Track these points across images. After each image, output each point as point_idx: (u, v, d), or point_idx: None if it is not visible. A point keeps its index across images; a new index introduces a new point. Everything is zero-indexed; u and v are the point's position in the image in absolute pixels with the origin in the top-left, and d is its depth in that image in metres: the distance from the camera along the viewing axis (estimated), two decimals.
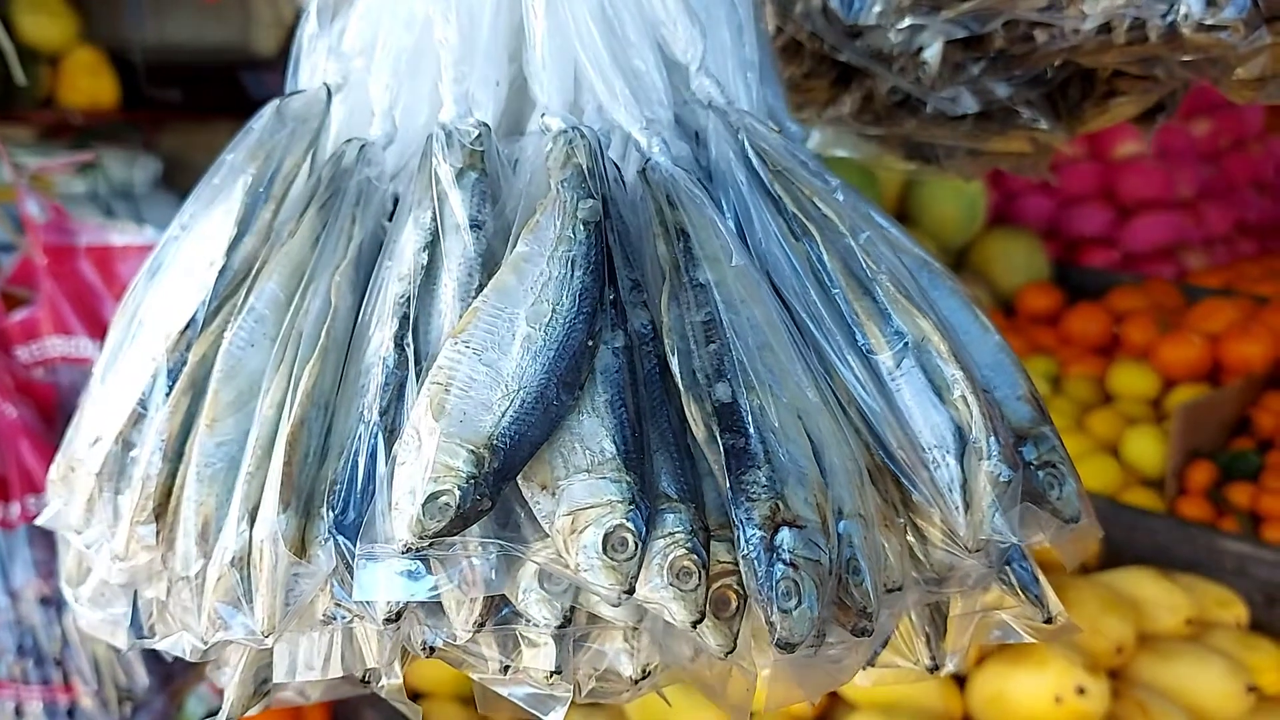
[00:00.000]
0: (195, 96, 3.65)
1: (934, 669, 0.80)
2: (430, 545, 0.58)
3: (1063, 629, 0.80)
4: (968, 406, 0.69)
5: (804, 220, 0.76)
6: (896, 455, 0.70)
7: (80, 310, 1.45)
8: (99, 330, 1.45)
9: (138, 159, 3.13)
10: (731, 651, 0.63)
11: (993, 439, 0.69)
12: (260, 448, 0.67)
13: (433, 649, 0.66)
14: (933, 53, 0.94)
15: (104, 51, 3.37)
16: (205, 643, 0.66)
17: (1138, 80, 0.92)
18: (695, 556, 0.61)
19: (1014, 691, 1.47)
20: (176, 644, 0.70)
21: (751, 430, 0.62)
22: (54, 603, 1.40)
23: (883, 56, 0.99)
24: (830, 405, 0.68)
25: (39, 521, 0.84)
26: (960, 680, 1.53)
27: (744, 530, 0.59)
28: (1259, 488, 2.20)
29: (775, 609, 0.58)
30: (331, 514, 0.63)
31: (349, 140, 0.80)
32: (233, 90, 3.60)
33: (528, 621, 0.63)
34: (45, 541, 1.39)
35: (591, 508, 0.59)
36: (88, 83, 3.23)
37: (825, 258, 0.75)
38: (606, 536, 0.59)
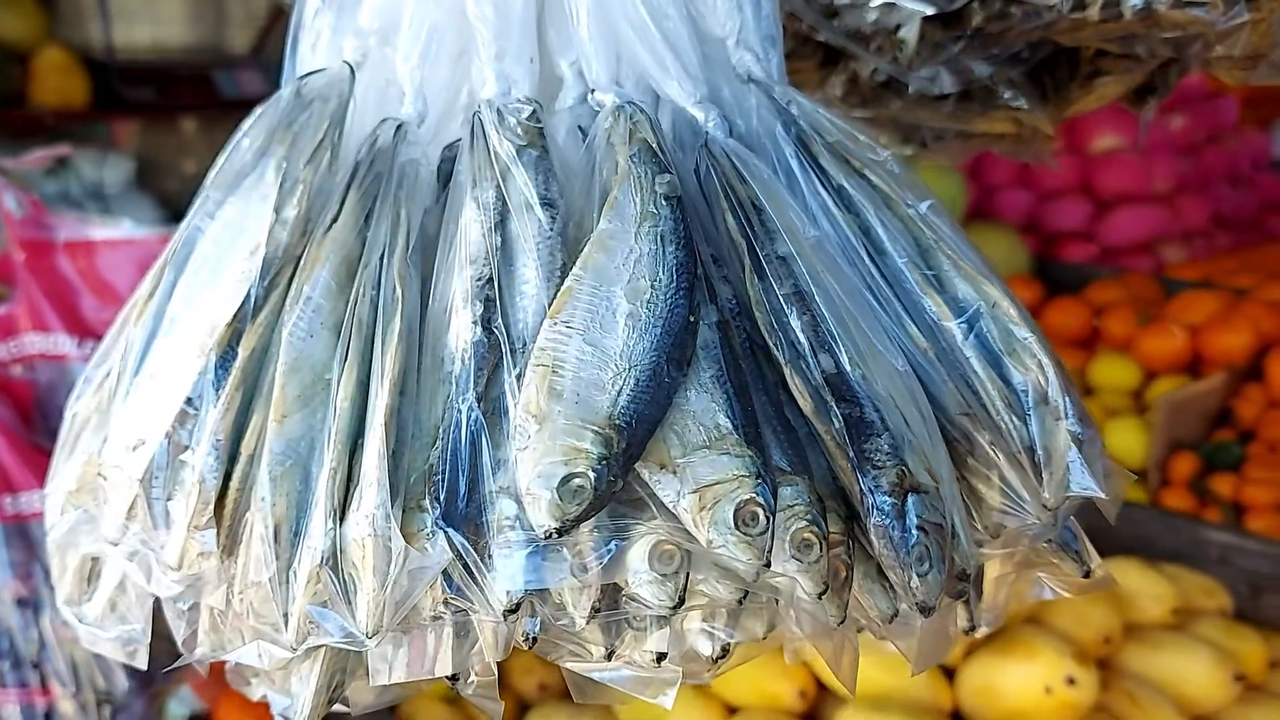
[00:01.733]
0: (168, 95, 3.53)
1: (971, 630, 0.81)
2: (571, 529, 0.55)
3: (1099, 582, 0.82)
4: (1042, 369, 0.71)
5: (851, 192, 0.77)
6: (957, 421, 0.71)
7: (58, 306, 1.37)
8: (77, 327, 1.37)
9: (109, 159, 3.02)
10: (843, 621, 0.63)
11: (1068, 399, 0.70)
12: (340, 443, 0.63)
13: (535, 639, 0.63)
14: (909, 31, 0.95)
15: (75, 51, 3.25)
16: (294, 649, 0.62)
17: (1121, 59, 0.95)
18: (815, 528, 0.60)
19: (1004, 683, 1.47)
20: (249, 654, 0.66)
21: (864, 398, 0.62)
22: (31, 604, 1.32)
23: (861, 36, 0.99)
24: (911, 372, 0.68)
25: (51, 538, 0.78)
26: (949, 672, 1.53)
27: (874, 498, 0.59)
28: (1241, 478, 2.24)
29: (913, 574, 0.58)
30: (437, 506, 0.60)
31: (384, 120, 0.77)
32: (205, 89, 3.49)
33: (638, 604, 0.62)
34: (21, 542, 1.31)
35: (718, 484, 0.58)
36: (59, 82, 3.14)
37: (882, 227, 0.75)
38: (737, 512, 0.58)
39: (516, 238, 0.67)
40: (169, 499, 0.67)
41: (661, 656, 0.64)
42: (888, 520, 0.59)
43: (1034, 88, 1.01)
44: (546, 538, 0.56)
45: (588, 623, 0.60)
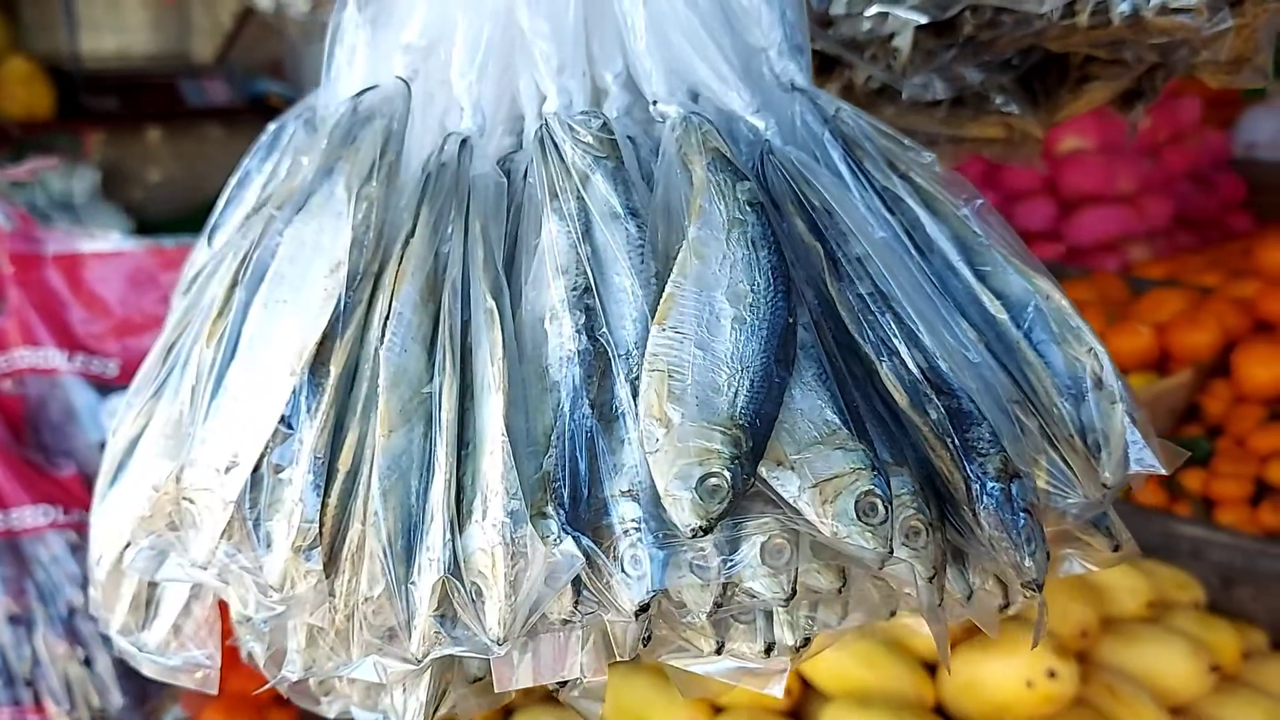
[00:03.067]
0: (133, 104, 3.44)
1: (1004, 607, 0.86)
2: (715, 527, 0.57)
3: (1126, 554, 0.87)
4: (1095, 355, 0.75)
5: (898, 194, 0.80)
6: (1008, 408, 0.75)
7: (48, 320, 1.32)
8: (67, 340, 1.34)
9: (76, 169, 2.93)
10: (940, 604, 0.66)
11: (1121, 383, 0.75)
12: (450, 455, 0.64)
13: (648, 638, 0.65)
14: (903, 39, 0.98)
15: (40, 61, 3.15)
16: (419, 660, 0.62)
17: (1109, 65, 1.00)
18: (922, 516, 0.63)
19: (986, 677, 1.47)
20: (365, 669, 0.66)
21: (959, 390, 0.65)
22: (24, 621, 1.28)
23: (856, 45, 1.03)
24: (983, 362, 0.72)
25: (128, 568, 0.76)
26: (931, 668, 1.55)
27: (982, 484, 0.63)
28: (1210, 473, 2.30)
29: (1026, 556, 0.62)
30: (561, 512, 0.61)
31: (449, 134, 0.77)
32: (170, 98, 3.42)
33: (752, 598, 0.64)
34: (13, 558, 1.26)
35: (837, 477, 0.61)
36: (23, 93, 3.07)
37: (929, 226, 0.78)
38: (857, 503, 0.60)
39: (605, 247, 0.69)
40: (268, 520, 0.67)
41: (770, 647, 0.66)
42: (998, 505, 0.62)
43: (1024, 93, 1.05)
44: (692, 536, 0.58)
45: (710, 619, 0.62)
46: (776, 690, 0.67)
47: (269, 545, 0.66)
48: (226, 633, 0.83)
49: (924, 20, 0.91)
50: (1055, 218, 3.37)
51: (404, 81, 0.80)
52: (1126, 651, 1.61)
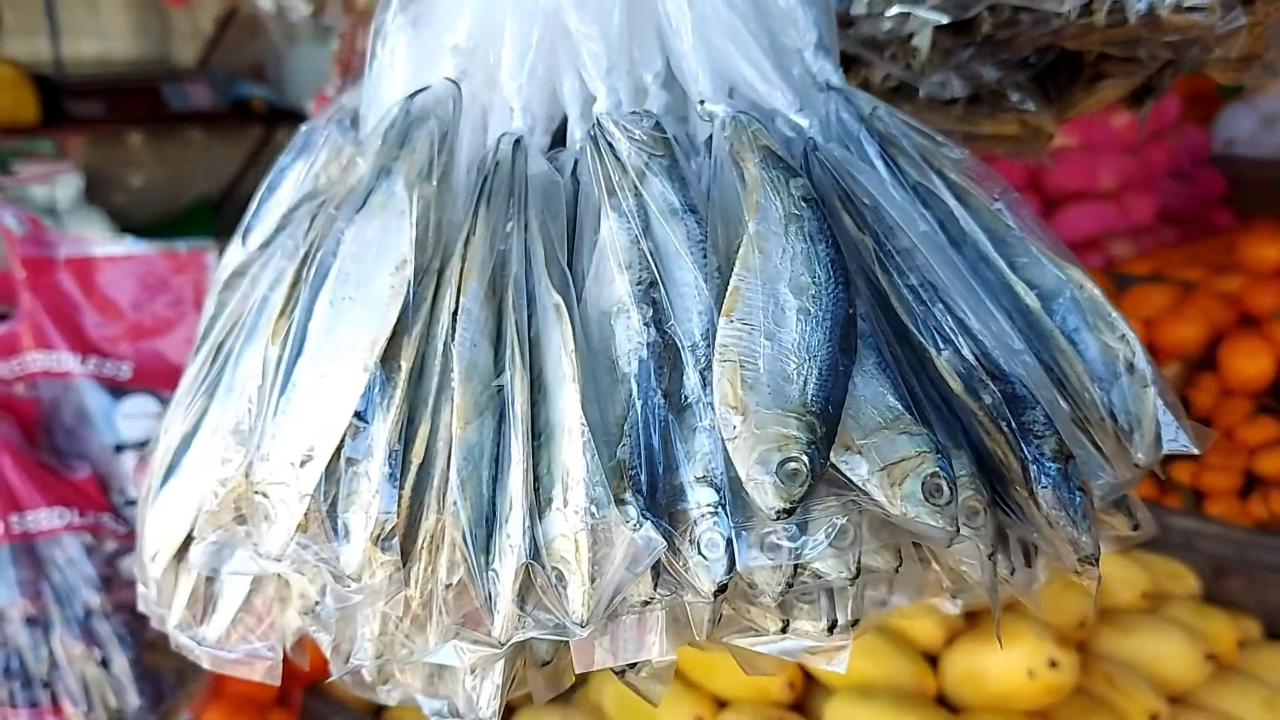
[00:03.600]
0: (115, 109, 3.41)
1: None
2: (796, 509, 0.60)
3: (1146, 533, 0.90)
4: (1128, 342, 0.78)
5: (934, 190, 0.83)
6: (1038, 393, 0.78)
7: (61, 324, 1.32)
8: (80, 343, 1.33)
9: (60, 176, 2.89)
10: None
11: (1153, 369, 0.78)
12: (525, 445, 0.66)
13: (720, 617, 0.68)
14: (922, 39, 1.02)
15: (22, 66, 3.12)
16: (502, 644, 0.64)
17: (1123, 63, 1.03)
18: (980, 496, 0.67)
19: (988, 667, 1.50)
20: (446, 654, 0.68)
21: (1011, 376, 0.69)
22: (40, 623, 1.27)
23: (875, 44, 1.06)
24: (1026, 349, 0.75)
25: (192, 563, 0.77)
26: (933, 659, 1.57)
27: (1040, 465, 0.66)
28: (1200, 465, 2.33)
29: (1083, 532, 0.65)
30: (640, 498, 0.63)
31: (503, 134, 0.79)
32: (153, 102, 3.38)
33: (818, 578, 0.66)
34: (29, 560, 1.26)
35: (904, 460, 0.64)
36: (8, 99, 3.06)
37: (964, 220, 0.81)
38: (924, 485, 0.63)
39: (666, 242, 0.71)
40: (343, 511, 0.68)
41: (833, 625, 0.69)
42: (1057, 484, 0.65)
43: (1038, 91, 1.09)
44: (776, 518, 0.60)
45: (781, 599, 0.65)
46: (840, 666, 0.69)
47: (346, 536, 0.68)
48: None
49: (945, 20, 0.94)
50: (1039, 215, 3.36)
51: (453, 83, 0.82)
52: (1124, 641, 1.63)
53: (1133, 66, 1.03)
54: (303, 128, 1.01)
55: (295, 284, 0.76)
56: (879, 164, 0.83)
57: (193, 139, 4.39)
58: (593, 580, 0.62)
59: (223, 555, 0.77)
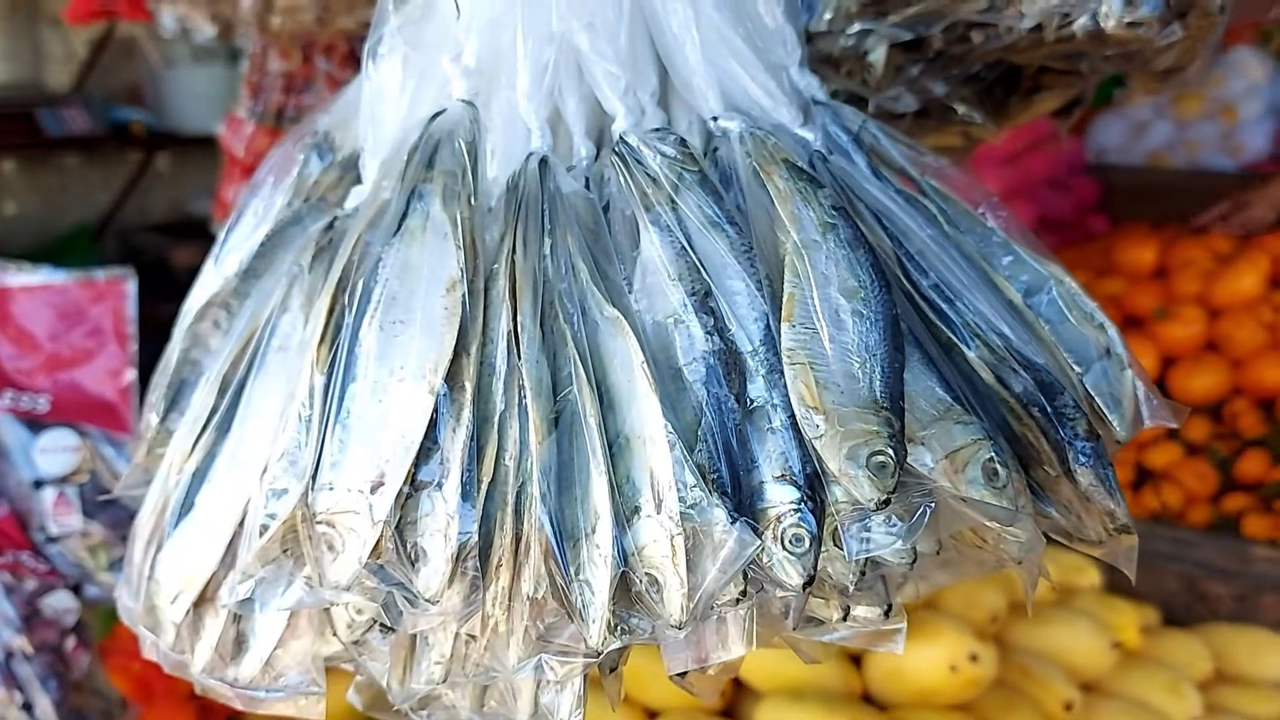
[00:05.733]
0: None
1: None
2: (890, 500, 0.64)
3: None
4: (1105, 329, 0.86)
5: (915, 194, 0.89)
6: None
7: None
8: None
9: None
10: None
11: (1128, 353, 0.86)
12: (604, 456, 0.67)
13: (788, 609, 0.71)
14: (877, 55, 1.09)
15: None
16: (599, 652, 0.66)
17: (1061, 75, 1.12)
18: (1021, 478, 0.72)
19: (910, 664, 1.52)
20: (529, 668, 0.68)
21: (1038, 365, 0.75)
22: None
23: (832, 60, 1.12)
24: (1029, 339, 0.81)
25: (230, 604, 0.75)
26: (856, 659, 1.60)
27: (1075, 445, 0.72)
28: None
29: (1118, 504, 0.71)
30: (727, 500, 0.66)
31: (530, 154, 0.80)
32: (27, 127, 3.08)
33: (878, 566, 0.71)
34: None
35: (963, 448, 0.69)
36: None
37: (950, 223, 0.87)
38: (983, 469, 0.68)
39: (712, 254, 0.74)
40: (416, 535, 0.68)
41: (889, 609, 0.74)
42: (1092, 462, 0.71)
43: (980, 103, 1.16)
44: (876, 509, 0.64)
45: (854, 589, 0.69)
46: (898, 647, 0.74)
47: (422, 559, 0.68)
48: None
49: (908, 37, 1.00)
50: None
51: (469, 104, 0.82)
52: (1036, 633, 1.69)
53: (1071, 79, 1.11)
54: (273, 151, 0.99)
55: (332, 310, 0.75)
56: (869, 174, 0.88)
57: (68, 165, 4.15)
58: (690, 584, 0.64)
59: (267, 591, 0.75)
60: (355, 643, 0.77)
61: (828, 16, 1.08)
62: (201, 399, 0.85)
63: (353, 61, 1.85)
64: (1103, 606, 1.79)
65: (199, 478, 0.82)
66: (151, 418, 0.95)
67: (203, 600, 0.80)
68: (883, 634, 0.74)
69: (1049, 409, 0.72)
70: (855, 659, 1.62)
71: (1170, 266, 2.57)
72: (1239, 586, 1.97)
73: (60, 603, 1.37)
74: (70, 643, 1.40)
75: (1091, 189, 3.50)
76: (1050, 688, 1.60)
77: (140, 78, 4.28)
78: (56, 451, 1.33)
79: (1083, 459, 0.72)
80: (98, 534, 1.45)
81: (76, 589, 1.44)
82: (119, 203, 4.43)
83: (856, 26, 1.03)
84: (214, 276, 0.96)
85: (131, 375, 1.47)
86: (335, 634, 0.77)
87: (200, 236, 3.53)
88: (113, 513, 1.49)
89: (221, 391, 0.84)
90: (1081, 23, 0.97)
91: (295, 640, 0.80)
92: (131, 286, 1.39)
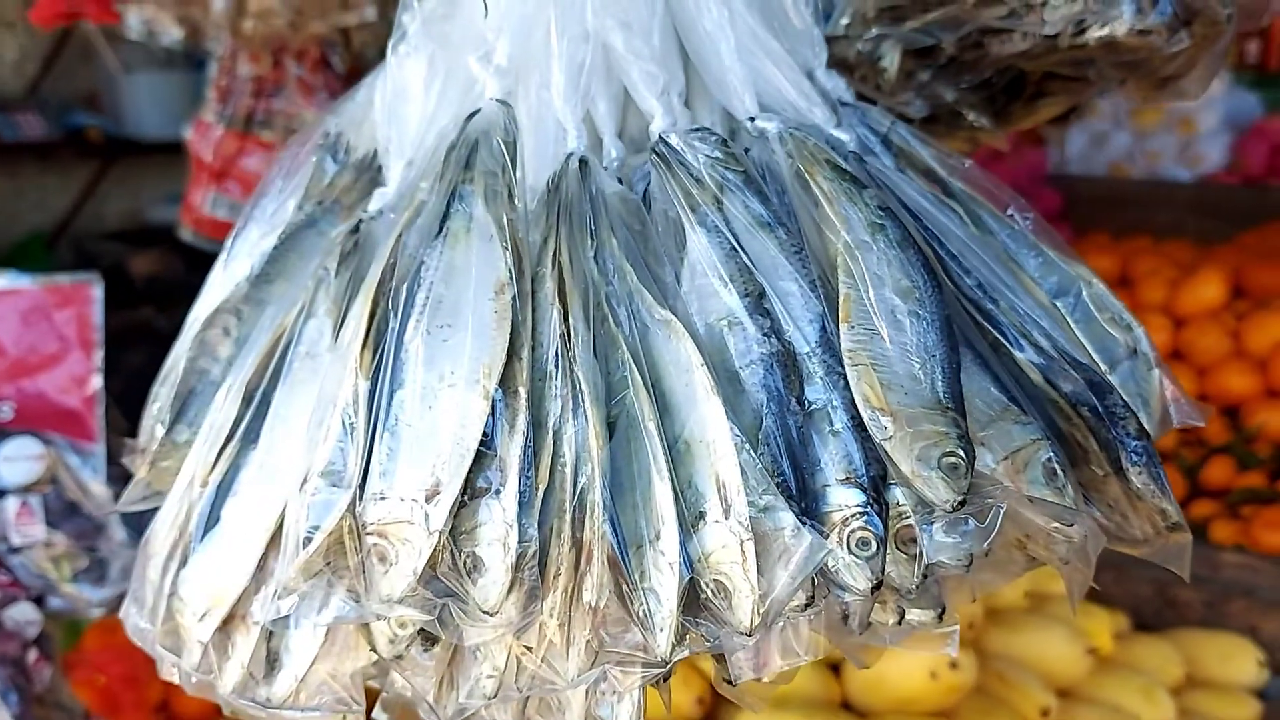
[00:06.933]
0: None
1: None
2: (966, 501, 0.63)
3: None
4: (1132, 329, 0.87)
5: (943, 199, 0.89)
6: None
7: None
8: None
9: None
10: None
11: (1156, 353, 0.87)
12: (666, 461, 0.66)
13: (846, 616, 0.70)
14: (891, 61, 1.09)
15: None
16: (667, 660, 0.64)
17: (1067, 82, 1.13)
18: (1071, 477, 0.72)
19: (890, 672, 1.53)
20: (590, 678, 0.66)
21: (1085, 365, 0.75)
22: None
23: (846, 65, 1.12)
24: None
25: (265, 620, 0.72)
26: (835, 667, 1.60)
27: (1129, 443, 0.72)
28: None
29: (1168, 502, 0.72)
30: (794, 504, 0.65)
31: (569, 155, 0.79)
32: None
33: (939, 568, 0.70)
34: None
35: (1023, 449, 0.69)
36: None
37: (979, 225, 0.88)
38: (1043, 469, 0.68)
39: (763, 254, 0.73)
40: (472, 544, 0.66)
41: (942, 611, 0.73)
42: (1145, 460, 0.72)
43: (988, 109, 1.17)
44: (952, 510, 0.64)
45: (916, 590, 0.68)
46: (952, 650, 0.73)
47: (478, 570, 0.66)
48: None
49: (926, 43, 1.00)
50: None
51: (504, 103, 0.81)
52: (1011, 640, 1.71)
53: (1076, 86, 1.12)
54: (281, 153, 0.96)
55: (373, 315, 0.73)
56: (896, 176, 0.88)
57: (23, 170, 4.03)
58: (761, 589, 0.63)
59: (302, 606, 0.72)
60: (397, 658, 0.74)
61: (845, 21, 1.08)
62: (223, 409, 0.82)
63: (324, 66, 1.82)
64: (1076, 613, 1.78)
65: (224, 490, 0.79)
66: (156, 430, 0.92)
67: (232, 618, 0.77)
68: (936, 638, 0.74)
69: (1100, 408, 0.73)
70: (834, 667, 1.61)
71: (1133, 276, 2.62)
72: (1208, 592, 2.00)
73: (22, 614, 1.33)
74: (32, 655, 1.36)
75: (1054, 199, 3.56)
76: (1027, 694, 1.62)
77: (97, 83, 4.19)
78: (20, 460, 1.30)
79: (1135, 458, 0.72)
80: (61, 544, 1.41)
81: (39, 600, 1.40)
82: (75, 209, 4.33)
83: (874, 31, 1.02)
84: (223, 282, 0.92)
85: (97, 383, 1.43)
86: (375, 649, 0.75)
87: (158, 244, 3.45)
88: (77, 523, 1.45)
89: (245, 401, 0.81)
90: (1095, 30, 0.98)
91: (330, 657, 0.77)
92: (98, 291, 1.35)
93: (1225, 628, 1.97)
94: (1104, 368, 0.84)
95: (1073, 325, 0.86)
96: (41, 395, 1.34)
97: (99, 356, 1.43)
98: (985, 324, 0.76)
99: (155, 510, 0.90)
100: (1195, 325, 2.48)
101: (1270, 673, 1.84)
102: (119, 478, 1.50)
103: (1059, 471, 0.68)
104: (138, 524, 1.62)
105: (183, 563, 0.80)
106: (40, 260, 3.80)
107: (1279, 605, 1.98)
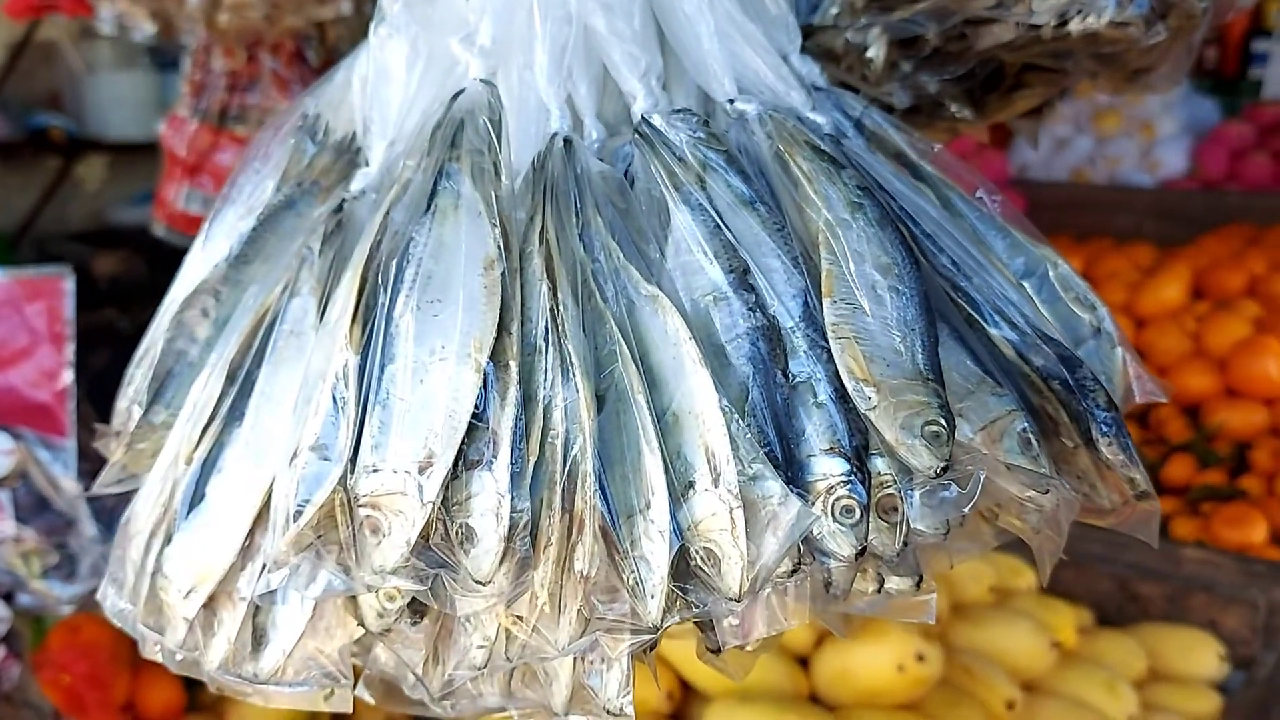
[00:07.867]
0: None
1: None
2: (949, 467, 0.65)
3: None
4: (1096, 308, 0.89)
5: (917, 182, 0.91)
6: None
7: None
8: None
9: None
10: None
11: (1119, 332, 0.89)
12: (653, 435, 0.67)
13: (829, 584, 0.71)
14: (877, 51, 1.10)
15: None
16: (658, 627, 0.65)
17: (1044, 74, 1.15)
18: (1044, 447, 0.74)
19: (858, 665, 1.53)
20: (582, 645, 0.67)
21: (1055, 340, 0.77)
22: None
23: (832, 55, 1.14)
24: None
25: (253, 595, 0.72)
26: (803, 661, 1.60)
27: (1099, 414, 0.74)
28: None
29: (1138, 470, 0.74)
30: (781, 473, 0.66)
31: (554, 135, 0.80)
32: None
33: (919, 536, 0.72)
34: None
35: (998, 419, 0.71)
36: None
37: (949, 207, 0.90)
38: (1018, 439, 0.70)
39: (746, 231, 0.75)
40: (464, 515, 0.67)
41: (920, 579, 0.75)
42: (1114, 431, 0.74)
43: (966, 100, 1.19)
44: (935, 477, 0.65)
45: (898, 557, 0.70)
46: (930, 617, 0.75)
47: (471, 540, 0.66)
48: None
49: (915, 33, 1.02)
50: None
51: (489, 83, 0.82)
52: (977, 633, 1.72)
53: (1053, 78, 1.14)
54: (260, 135, 0.97)
55: (361, 291, 0.74)
56: (868, 159, 0.90)
57: None
58: (749, 557, 0.65)
59: (293, 580, 0.73)
60: (386, 631, 0.75)
61: (834, 11, 1.09)
62: (206, 387, 0.82)
63: (299, 60, 1.81)
64: (1040, 607, 1.82)
65: (209, 468, 0.79)
66: (133, 410, 0.92)
67: (218, 594, 0.77)
68: (913, 605, 0.75)
69: (1070, 381, 0.75)
70: (803, 660, 1.63)
71: (1096, 277, 2.67)
72: (1169, 587, 2.02)
73: None
74: (1, 653, 1.35)
75: (1018, 202, 3.61)
76: (993, 687, 1.63)
77: (60, 83, 4.16)
78: None
79: (1105, 429, 0.74)
80: (31, 540, 1.40)
81: (8, 597, 1.39)
82: (36, 210, 4.29)
83: (863, 21, 1.04)
84: (201, 263, 0.93)
85: (68, 377, 1.41)
86: (363, 624, 0.75)
87: (122, 245, 3.41)
88: (47, 519, 1.44)
89: (229, 379, 0.82)
90: (1077, 22, 1.00)
91: (316, 633, 0.78)
92: (69, 285, 1.34)
93: (1186, 622, 1.99)
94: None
95: (1039, 304, 0.88)
96: (12, 389, 1.33)
97: (70, 350, 1.42)
98: (960, 301, 0.78)
99: (131, 494, 0.90)
100: (1156, 326, 2.52)
101: (1231, 666, 1.86)
102: (90, 473, 1.49)
103: (1033, 441, 0.70)
104: (109, 520, 1.61)
105: (166, 540, 0.80)
106: (3, 260, 3.76)
107: (1239, 600, 1.99)
